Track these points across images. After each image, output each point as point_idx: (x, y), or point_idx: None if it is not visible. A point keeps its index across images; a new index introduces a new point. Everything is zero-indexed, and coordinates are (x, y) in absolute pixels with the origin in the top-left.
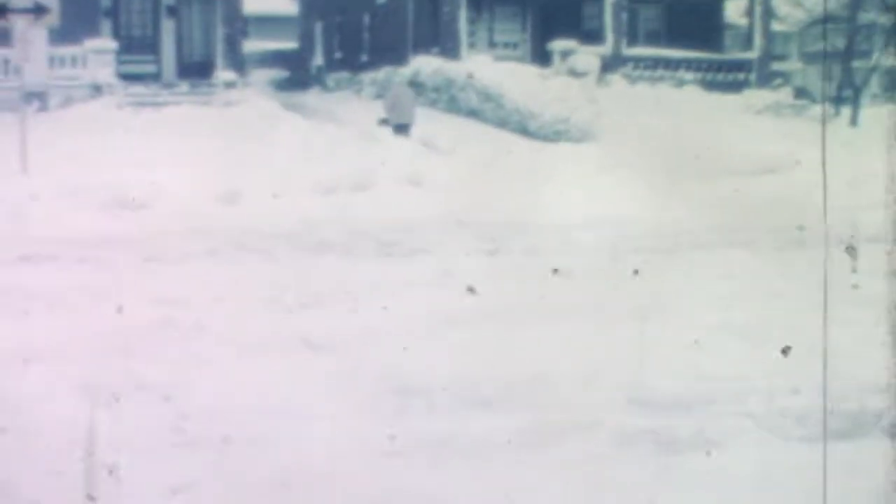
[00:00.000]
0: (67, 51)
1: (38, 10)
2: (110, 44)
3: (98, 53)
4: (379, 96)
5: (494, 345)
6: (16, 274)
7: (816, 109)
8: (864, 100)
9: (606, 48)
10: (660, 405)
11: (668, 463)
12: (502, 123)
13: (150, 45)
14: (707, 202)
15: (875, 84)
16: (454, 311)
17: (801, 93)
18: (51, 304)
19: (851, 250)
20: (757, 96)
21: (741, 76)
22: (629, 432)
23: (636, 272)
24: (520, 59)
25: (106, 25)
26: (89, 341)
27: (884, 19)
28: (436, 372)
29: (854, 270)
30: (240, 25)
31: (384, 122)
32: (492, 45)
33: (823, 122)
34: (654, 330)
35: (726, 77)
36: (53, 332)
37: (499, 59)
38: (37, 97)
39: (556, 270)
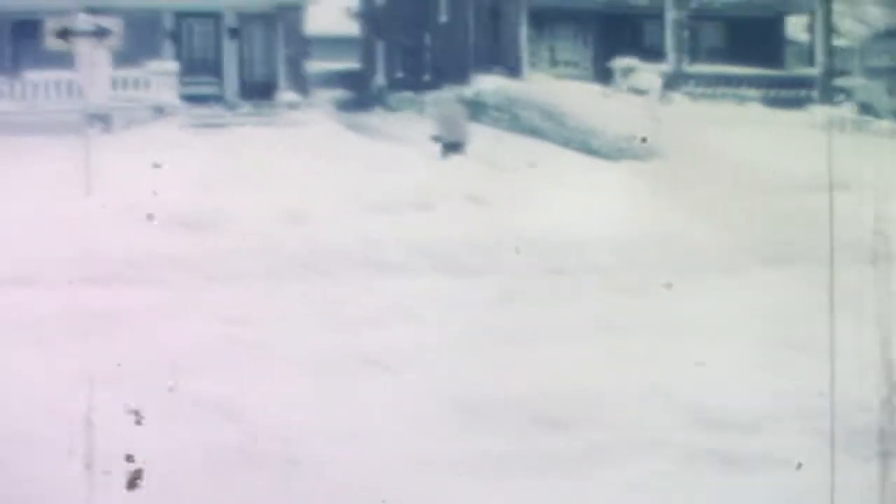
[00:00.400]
0: (130, 73)
1: (102, 33)
2: (172, 65)
3: (160, 75)
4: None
5: (557, 363)
6: (79, 295)
7: (881, 125)
8: None
9: (668, 66)
10: (725, 423)
11: (734, 482)
12: (565, 142)
13: (213, 67)
14: (769, 218)
15: None
16: (516, 330)
17: (864, 108)
18: (114, 324)
19: None
20: (820, 112)
21: (803, 93)
22: (694, 451)
23: (698, 289)
24: (581, 77)
25: (168, 47)
26: (153, 361)
27: None
28: (498, 391)
29: None
30: (302, 46)
31: (436, 139)
32: (553, 63)
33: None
34: (717, 347)
35: (788, 94)
36: (116, 353)
37: (560, 77)
38: (100, 119)
39: (617, 287)
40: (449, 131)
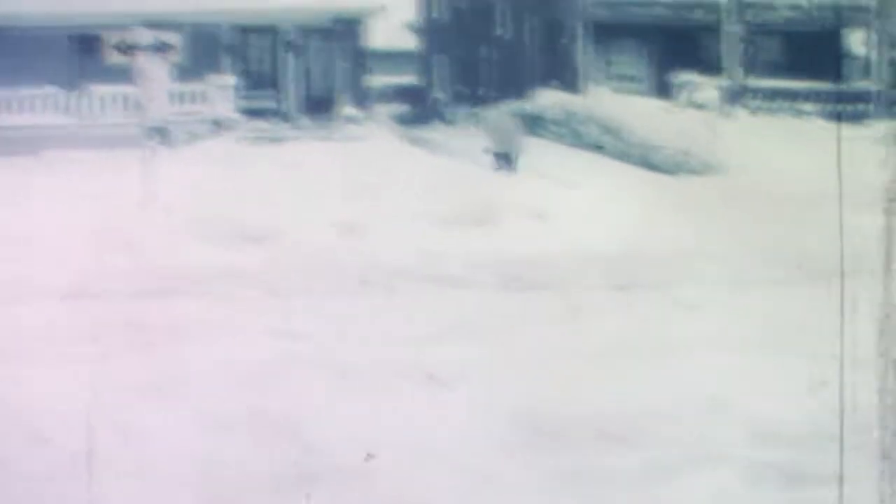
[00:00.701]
0: (189, 87)
1: (161, 47)
2: (232, 79)
3: (220, 89)
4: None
5: (622, 379)
6: (140, 308)
7: None
8: None
9: (727, 80)
10: (786, 439)
11: (795, 498)
12: (624, 156)
13: (272, 81)
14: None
15: None
16: (578, 346)
17: None
18: (174, 337)
19: None
20: (879, 126)
21: (862, 106)
22: (755, 466)
23: (757, 304)
24: (640, 92)
25: (227, 61)
26: (212, 374)
27: None
28: (560, 406)
29: None
30: (361, 60)
31: (489, 151)
32: (612, 77)
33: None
34: (778, 362)
35: (847, 107)
36: (176, 365)
37: (619, 91)
38: (159, 133)
39: (682, 303)
40: (501, 143)
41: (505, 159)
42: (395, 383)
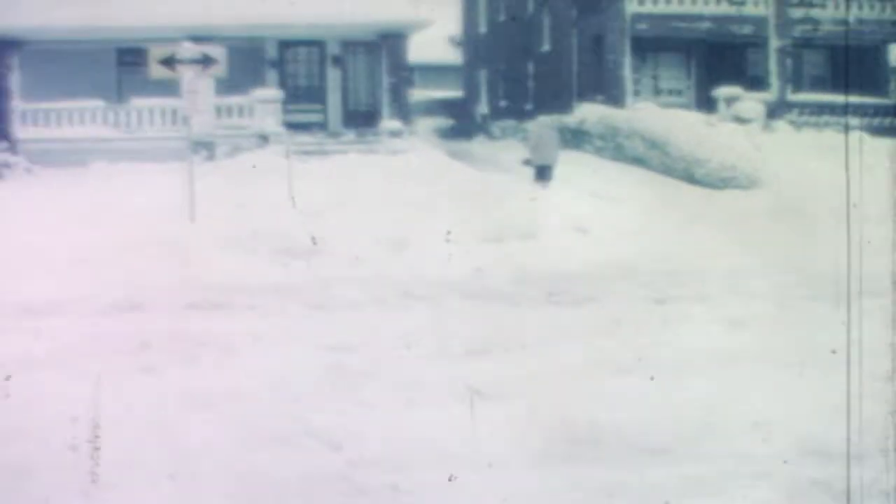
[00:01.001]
0: (234, 101)
1: (206, 61)
2: (276, 93)
3: (264, 103)
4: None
5: (664, 393)
6: (185, 321)
7: None
8: None
9: (771, 94)
10: (832, 455)
11: None
12: (668, 171)
13: (316, 95)
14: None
15: None
16: (623, 360)
17: None
18: (219, 350)
19: None
20: None
21: None
22: (798, 483)
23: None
24: (684, 106)
25: (272, 75)
26: (258, 388)
27: None
28: (606, 421)
29: None
30: (405, 74)
31: (527, 163)
32: (656, 91)
33: None
34: (825, 379)
35: (893, 122)
36: (222, 379)
37: (663, 105)
38: (204, 146)
39: (724, 318)
40: (540, 155)
41: (543, 172)
42: (439, 396)
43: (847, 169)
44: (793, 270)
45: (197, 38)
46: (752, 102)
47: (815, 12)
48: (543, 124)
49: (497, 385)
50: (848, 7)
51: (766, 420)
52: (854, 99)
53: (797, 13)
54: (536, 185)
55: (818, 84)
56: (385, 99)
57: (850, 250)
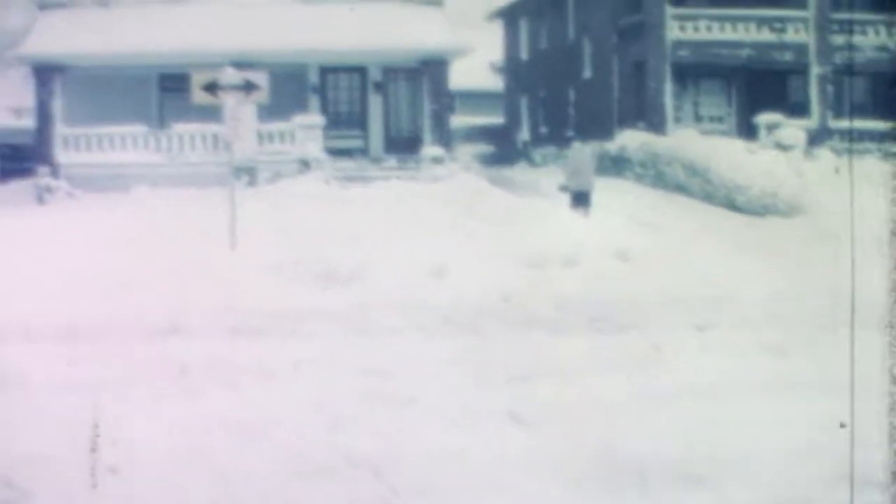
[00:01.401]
0: (276, 126)
1: (249, 87)
2: (318, 119)
3: (306, 129)
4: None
5: (705, 421)
6: (227, 346)
7: None
8: None
9: (812, 121)
10: (874, 483)
11: None
12: (709, 198)
13: (358, 121)
14: None
15: None
16: (664, 387)
17: None
18: (260, 376)
19: None
20: None
21: None
22: None
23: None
24: (725, 133)
25: (314, 101)
26: (299, 414)
27: None
28: (646, 448)
29: None
30: (447, 101)
31: (564, 189)
32: (697, 118)
33: None
34: (867, 404)
35: None
36: (263, 404)
37: (704, 133)
38: (246, 172)
39: (765, 344)
40: (577, 181)
41: (580, 198)
42: (479, 423)
43: (888, 196)
44: (833, 297)
45: (239, 64)
46: (793, 129)
47: (857, 39)
48: (579, 149)
49: (537, 412)
50: (890, 33)
51: (810, 447)
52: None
53: (838, 40)
54: (575, 211)
55: (860, 111)
56: (426, 125)
57: (892, 277)
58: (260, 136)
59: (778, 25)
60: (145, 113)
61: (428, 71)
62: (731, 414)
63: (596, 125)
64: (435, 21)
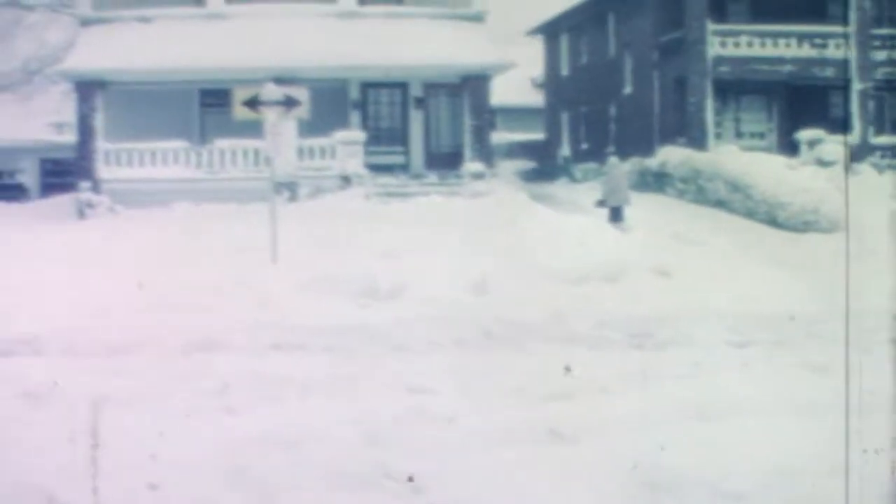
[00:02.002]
0: (317, 142)
1: (289, 103)
2: (359, 135)
3: (347, 145)
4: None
5: (746, 438)
6: (268, 361)
7: None
8: None
9: (854, 137)
10: None
11: None
12: (750, 214)
13: (399, 137)
14: None
15: None
16: (705, 404)
17: None
18: (300, 392)
19: None
20: None
21: None
22: None
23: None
24: (766, 149)
25: (355, 117)
26: (339, 430)
27: None
28: (687, 465)
29: None
30: (487, 117)
31: (601, 203)
32: (738, 134)
33: None
34: None
35: None
36: (304, 419)
37: (745, 148)
38: (287, 187)
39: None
40: (614, 197)
41: (618, 213)
42: (519, 439)
43: None
44: (875, 315)
45: (280, 80)
46: (834, 145)
47: None
48: (615, 166)
49: (578, 428)
50: None
51: (851, 466)
52: None
53: (879, 55)
54: (615, 226)
55: None
56: (467, 141)
57: None
58: (301, 152)
59: (819, 41)
60: (186, 128)
61: (469, 87)
62: (771, 431)
63: (637, 141)
64: (476, 37)
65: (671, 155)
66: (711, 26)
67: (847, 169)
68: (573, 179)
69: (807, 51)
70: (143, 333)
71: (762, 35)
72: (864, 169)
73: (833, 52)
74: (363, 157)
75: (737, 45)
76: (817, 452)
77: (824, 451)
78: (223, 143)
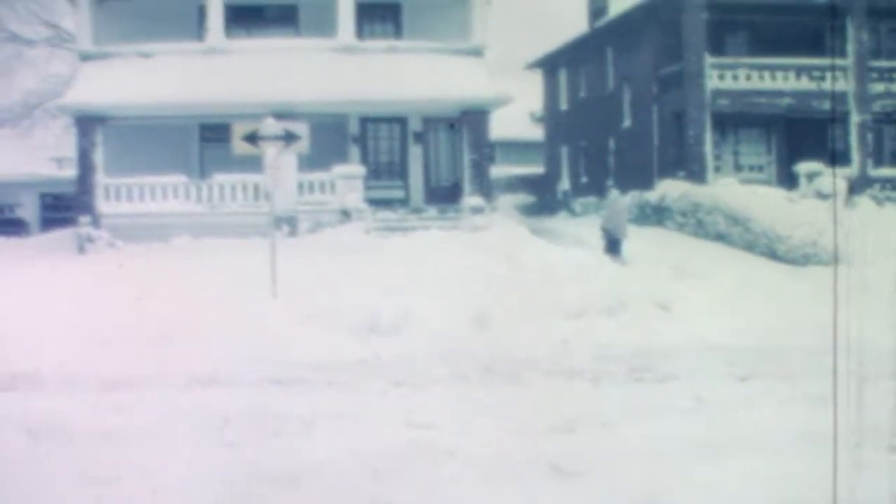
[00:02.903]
0: (316, 176)
1: (289, 138)
2: (359, 169)
3: (347, 179)
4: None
5: (748, 472)
6: (268, 396)
7: None
8: None
9: (853, 169)
10: None
11: None
12: (750, 247)
13: (398, 171)
14: None
15: None
16: (707, 439)
17: None
18: (301, 427)
19: None
20: None
21: None
22: None
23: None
24: (765, 182)
25: (354, 151)
26: (340, 465)
27: None
28: (687, 499)
29: None
30: (487, 151)
31: (604, 231)
32: (737, 167)
33: None
34: None
35: None
36: (304, 456)
37: (744, 181)
38: (286, 222)
39: (807, 395)
40: (612, 226)
41: (615, 245)
42: (521, 473)
43: None
44: (876, 348)
45: (280, 115)
46: (833, 178)
47: None
48: (615, 199)
49: (579, 462)
50: None
51: (852, 501)
52: None
53: (877, 87)
54: (613, 259)
55: None
56: (467, 175)
57: None
58: (300, 187)
59: (817, 74)
60: (186, 163)
61: (468, 121)
62: (774, 466)
63: (636, 175)
64: (475, 71)
65: (670, 188)
66: (710, 59)
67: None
68: (573, 213)
69: (805, 83)
70: (143, 368)
71: (760, 68)
72: (863, 201)
73: (831, 84)
74: (363, 191)
75: (735, 78)
76: (823, 486)
77: (830, 485)
78: (223, 178)
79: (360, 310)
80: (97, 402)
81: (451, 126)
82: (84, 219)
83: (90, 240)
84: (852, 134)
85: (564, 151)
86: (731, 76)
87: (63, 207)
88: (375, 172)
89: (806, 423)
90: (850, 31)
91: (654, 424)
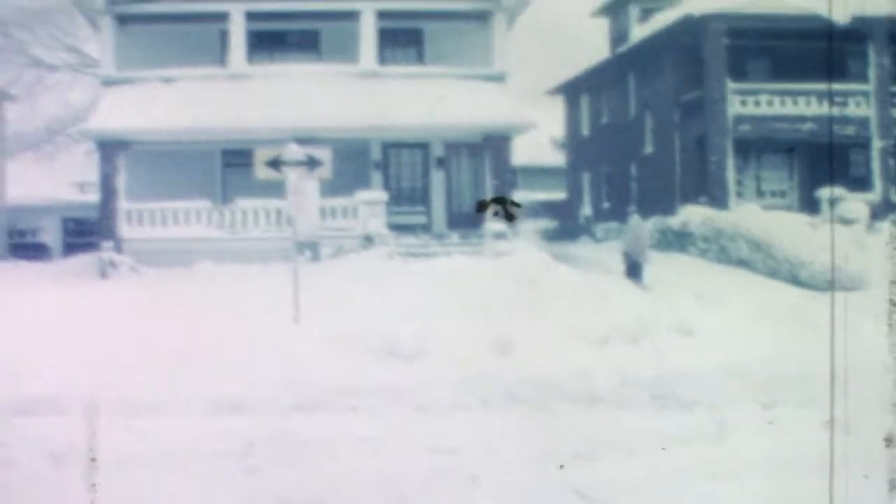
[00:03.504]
0: (339, 202)
1: (312, 163)
2: (381, 195)
3: (369, 205)
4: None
5: (772, 498)
6: (291, 421)
7: None
8: None
9: (875, 195)
10: None
11: None
12: (772, 273)
13: (420, 196)
14: None
15: None
16: (729, 465)
17: None
18: (323, 452)
19: None
20: None
21: None
22: None
23: None
24: (788, 207)
25: (376, 177)
26: (362, 490)
27: None
28: None
29: None
30: (509, 176)
31: (625, 255)
32: (759, 193)
33: None
34: None
35: None
36: (327, 480)
37: (767, 207)
38: (309, 247)
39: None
40: (634, 251)
41: (636, 269)
42: (544, 500)
43: None
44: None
45: (302, 140)
46: (855, 203)
47: None
48: (637, 225)
49: (603, 489)
50: None
51: None
52: None
53: None
54: (634, 283)
55: None
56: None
57: None
58: (323, 212)
59: (839, 99)
60: (209, 188)
61: (490, 146)
62: (797, 491)
63: (658, 200)
64: (497, 97)
65: (693, 214)
66: (732, 85)
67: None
68: (595, 239)
69: (827, 109)
70: (166, 393)
71: (782, 93)
72: (886, 227)
73: (853, 109)
74: (385, 216)
75: (757, 103)
76: None
77: None
78: (245, 203)
79: (382, 335)
80: (119, 427)
81: (474, 151)
82: (106, 244)
83: (112, 265)
84: (874, 159)
85: (586, 177)
86: (752, 102)
87: (85, 232)
88: (397, 198)
89: (825, 448)
90: (872, 56)
91: (678, 451)
